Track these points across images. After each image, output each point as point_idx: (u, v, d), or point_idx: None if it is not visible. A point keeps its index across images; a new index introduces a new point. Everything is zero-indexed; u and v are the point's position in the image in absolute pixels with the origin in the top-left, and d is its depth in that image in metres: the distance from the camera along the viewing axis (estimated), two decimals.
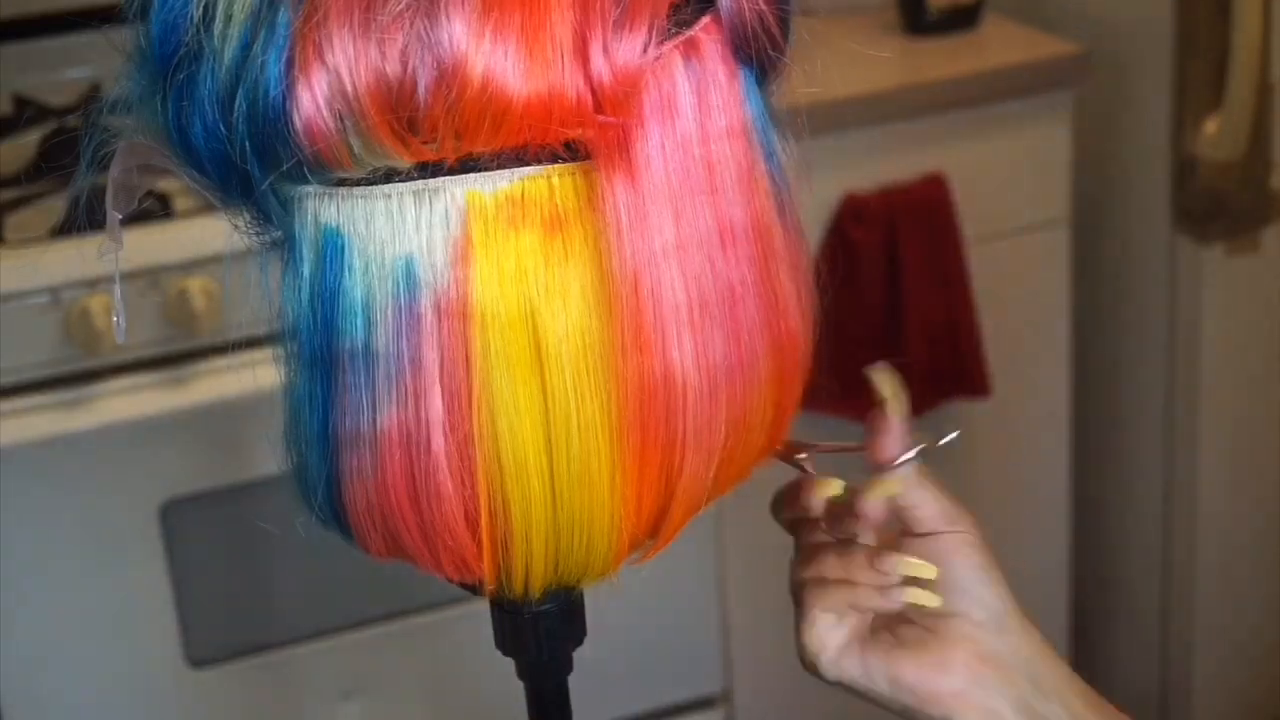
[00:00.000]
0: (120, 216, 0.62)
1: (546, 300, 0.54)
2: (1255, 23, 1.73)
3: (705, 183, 0.55)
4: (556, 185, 0.54)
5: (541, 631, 0.64)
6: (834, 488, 0.71)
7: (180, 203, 1.59)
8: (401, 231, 0.54)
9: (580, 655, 0.66)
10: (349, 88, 0.51)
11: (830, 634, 0.71)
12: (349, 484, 0.57)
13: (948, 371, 1.88)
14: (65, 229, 1.51)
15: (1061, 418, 2.04)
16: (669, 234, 0.54)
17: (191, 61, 0.53)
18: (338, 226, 0.54)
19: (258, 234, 0.58)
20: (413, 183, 0.53)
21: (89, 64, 1.87)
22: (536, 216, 0.54)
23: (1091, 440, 2.12)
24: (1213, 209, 1.86)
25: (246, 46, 0.52)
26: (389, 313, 0.54)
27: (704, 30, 0.55)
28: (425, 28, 0.51)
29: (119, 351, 1.56)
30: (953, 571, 0.69)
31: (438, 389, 0.54)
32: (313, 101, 0.51)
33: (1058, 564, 2.10)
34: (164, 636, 1.69)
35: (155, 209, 1.58)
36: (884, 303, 1.83)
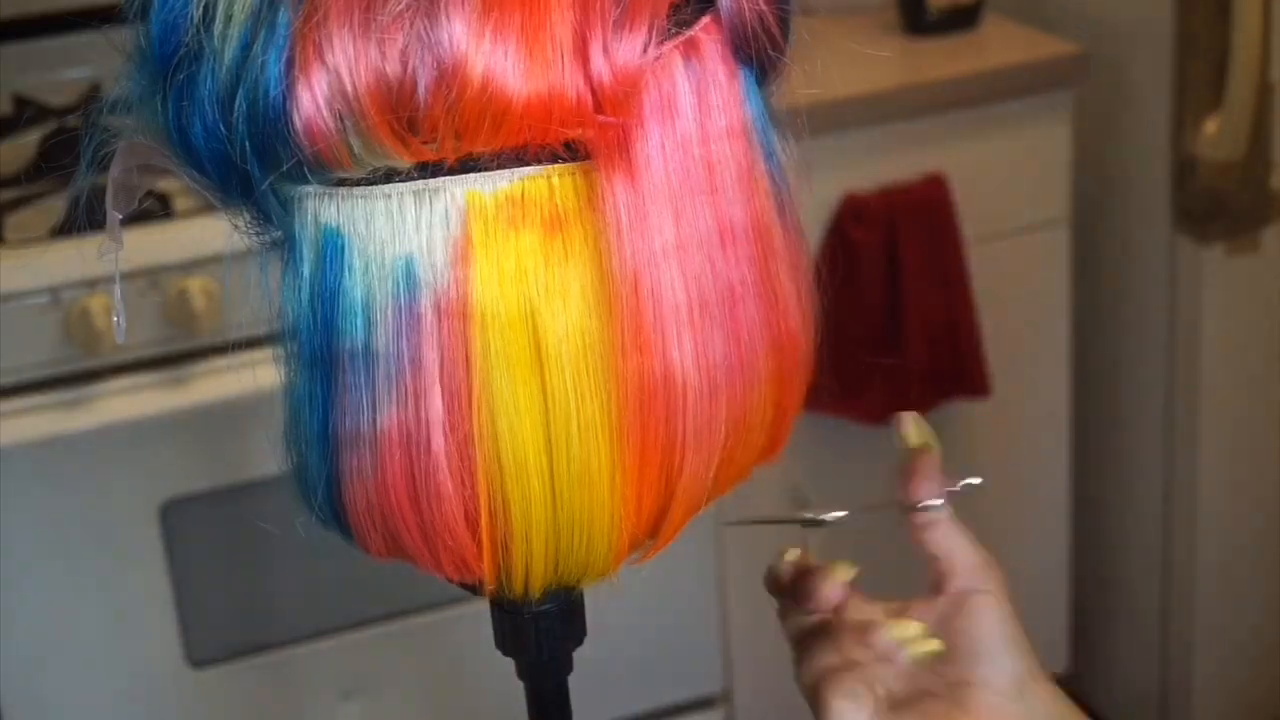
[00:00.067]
0: (120, 216, 0.62)
1: (546, 300, 0.54)
2: (1255, 23, 1.73)
3: (705, 183, 0.55)
4: (556, 185, 0.54)
5: (541, 631, 0.64)
6: (847, 573, 0.71)
7: (180, 203, 1.59)
8: (401, 231, 0.54)
9: (580, 655, 0.66)
10: (349, 88, 0.51)
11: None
12: (349, 484, 0.57)
13: (948, 371, 1.88)
14: (65, 229, 1.51)
15: (1061, 418, 2.04)
16: (669, 234, 0.54)
17: (191, 61, 0.53)
18: (338, 226, 0.54)
19: (258, 234, 0.58)
20: (413, 183, 0.53)
21: (89, 64, 1.87)
22: (536, 216, 0.54)
23: (1091, 440, 2.12)
24: (1213, 209, 1.86)
25: (246, 46, 0.52)
26: (389, 313, 0.54)
27: (704, 30, 0.55)
28: (425, 28, 0.51)
29: (119, 351, 1.56)
30: (976, 637, 0.69)
31: (438, 389, 0.54)
32: (313, 101, 0.51)
33: (1058, 564, 2.10)
34: (164, 636, 1.69)
35: (155, 209, 1.58)
36: (884, 303, 1.83)
